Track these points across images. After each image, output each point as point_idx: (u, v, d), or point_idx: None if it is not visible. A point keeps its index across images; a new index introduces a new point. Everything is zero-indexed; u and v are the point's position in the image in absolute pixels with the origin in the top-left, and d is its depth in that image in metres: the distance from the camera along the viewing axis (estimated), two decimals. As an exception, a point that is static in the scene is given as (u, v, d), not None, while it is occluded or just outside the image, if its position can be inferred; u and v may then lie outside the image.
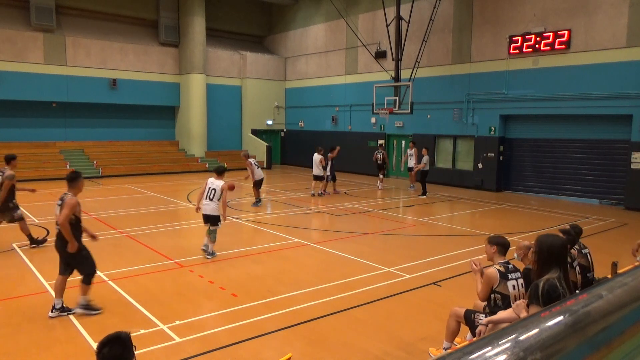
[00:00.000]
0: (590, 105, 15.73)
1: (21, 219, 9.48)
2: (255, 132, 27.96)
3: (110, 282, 7.49)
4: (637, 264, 5.55)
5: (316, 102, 26.57)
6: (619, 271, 4.88)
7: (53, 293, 6.53)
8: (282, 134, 29.23)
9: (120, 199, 16.02)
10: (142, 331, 5.71)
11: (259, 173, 14.78)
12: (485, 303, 4.69)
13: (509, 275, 4.54)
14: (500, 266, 4.62)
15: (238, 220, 12.59)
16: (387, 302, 6.90)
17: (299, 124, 28.00)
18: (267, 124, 28.50)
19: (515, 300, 4.41)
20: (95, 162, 22.38)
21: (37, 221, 12.02)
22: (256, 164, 14.88)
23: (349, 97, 24.57)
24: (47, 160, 21.51)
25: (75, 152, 22.92)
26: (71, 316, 6.15)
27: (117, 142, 24.58)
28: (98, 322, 6.04)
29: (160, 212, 13.80)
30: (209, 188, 9.10)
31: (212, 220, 9.03)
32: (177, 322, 6.00)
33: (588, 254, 5.58)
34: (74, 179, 6.58)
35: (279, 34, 29.12)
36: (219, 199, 9.01)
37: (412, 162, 18.62)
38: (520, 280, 4.58)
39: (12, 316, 6.23)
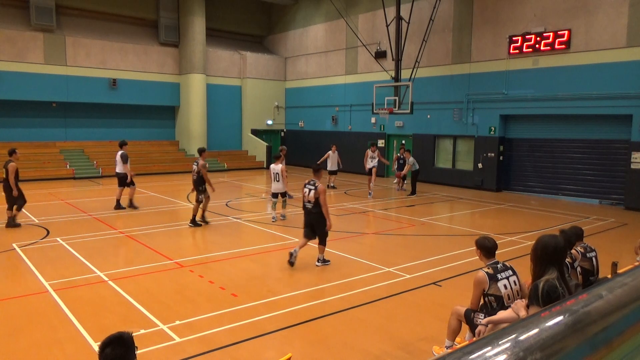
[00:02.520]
0: (590, 105, 15.73)
1: (201, 202, 11.74)
2: (255, 132, 27.96)
3: (110, 282, 7.49)
4: (637, 264, 5.54)
5: (316, 102, 26.57)
6: (619, 271, 4.87)
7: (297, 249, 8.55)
8: (282, 134, 29.22)
9: (120, 199, 15.99)
10: (142, 331, 5.71)
11: None
12: (482, 305, 4.67)
13: (499, 276, 4.50)
14: (488, 268, 4.59)
15: (238, 220, 12.58)
16: (387, 302, 6.90)
17: (299, 124, 28.00)
18: (267, 124, 28.50)
19: (509, 299, 4.41)
20: (95, 162, 22.38)
21: (37, 221, 12.02)
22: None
23: (349, 97, 24.56)
24: (47, 160, 21.50)
25: (75, 152, 22.92)
26: (71, 316, 6.16)
27: (117, 142, 24.52)
28: (98, 322, 6.04)
29: (160, 212, 13.79)
30: (274, 173, 12.41)
31: (282, 195, 12.55)
32: (177, 322, 6.00)
33: (594, 258, 5.54)
34: (318, 170, 9.06)
35: (279, 34, 29.12)
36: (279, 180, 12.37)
37: (371, 164, 17.41)
38: (513, 278, 4.53)
39: (12, 316, 6.23)
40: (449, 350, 1.08)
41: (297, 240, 10.49)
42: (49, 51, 21.94)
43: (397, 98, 18.83)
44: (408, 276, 8.04)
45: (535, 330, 1.11)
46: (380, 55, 21.96)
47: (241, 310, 6.46)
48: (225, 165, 25.57)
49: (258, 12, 29.42)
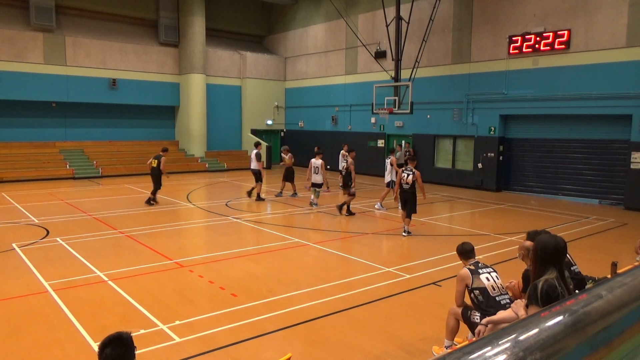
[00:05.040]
0: (590, 105, 15.73)
1: (353, 194, 13.34)
2: (255, 132, 27.94)
3: (110, 282, 7.49)
4: (637, 263, 5.54)
5: (316, 102, 26.57)
6: (619, 271, 4.87)
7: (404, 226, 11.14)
8: (282, 134, 29.22)
9: (120, 199, 16.02)
10: (142, 331, 5.71)
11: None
12: (471, 301, 4.87)
13: (480, 271, 4.84)
14: (470, 265, 4.94)
15: (238, 220, 12.59)
16: (387, 302, 6.90)
17: (299, 124, 28.00)
18: (267, 124, 28.50)
19: (493, 291, 4.71)
20: (95, 162, 22.38)
21: (36, 221, 12.02)
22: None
23: (349, 97, 24.57)
24: (47, 160, 21.51)
25: (75, 152, 22.92)
26: (71, 316, 6.16)
27: (117, 142, 24.58)
28: (98, 322, 6.04)
29: (160, 212, 13.80)
30: (314, 167, 14.55)
31: (319, 186, 14.67)
32: (177, 322, 6.00)
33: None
34: (414, 159, 11.63)
35: (279, 34, 29.12)
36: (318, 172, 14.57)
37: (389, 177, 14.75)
38: (494, 274, 4.85)
39: (12, 316, 6.23)
40: (449, 350, 1.09)
41: (297, 240, 10.52)
42: (48, 51, 21.94)
43: (397, 98, 18.83)
44: (408, 276, 8.05)
45: (535, 330, 1.11)
46: (380, 55, 21.96)
47: (241, 310, 6.46)
48: (225, 165, 25.57)
49: (258, 12, 29.43)
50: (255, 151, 15.85)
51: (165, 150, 15.36)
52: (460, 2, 19.28)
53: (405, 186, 10.95)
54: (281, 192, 16.77)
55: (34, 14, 21.42)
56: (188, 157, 25.47)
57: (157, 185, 14.83)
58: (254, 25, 29.63)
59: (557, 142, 17.17)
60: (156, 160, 14.76)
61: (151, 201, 14.68)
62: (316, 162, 14.66)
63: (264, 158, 26.55)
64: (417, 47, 19.16)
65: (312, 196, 14.73)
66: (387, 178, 14.91)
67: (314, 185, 14.74)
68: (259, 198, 15.64)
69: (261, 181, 15.77)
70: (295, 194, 16.75)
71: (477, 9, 18.74)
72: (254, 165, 15.77)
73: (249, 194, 15.92)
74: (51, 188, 18.09)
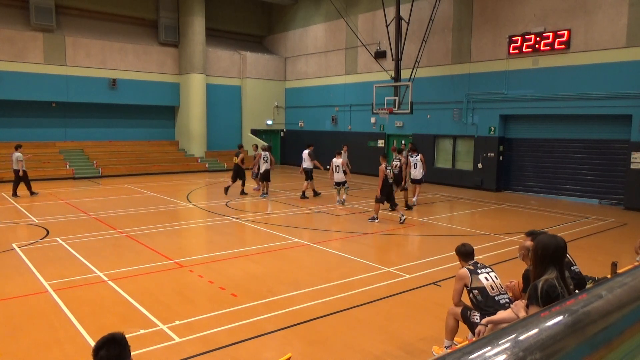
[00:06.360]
0: (590, 105, 15.73)
1: (406, 190, 14.51)
2: (255, 132, 27.95)
3: (110, 282, 7.49)
4: (637, 264, 5.53)
5: (316, 102, 26.56)
6: (619, 271, 4.87)
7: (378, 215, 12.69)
8: (282, 134, 29.22)
9: (120, 199, 16.02)
10: (142, 331, 5.70)
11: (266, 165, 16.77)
12: (470, 301, 4.88)
13: (479, 270, 4.87)
14: (469, 265, 4.97)
15: (238, 220, 12.59)
16: (387, 302, 6.90)
17: (299, 124, 27.99)
18: (267, 124, 28.50)
19: (492, 290, 4.73)
20: (94, 162, 22.38)
21: (36, 221, 12.02)
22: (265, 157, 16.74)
23: (349, 97, 24.56)
24: (47, 160, 21.50)
25: (75, 152, 22.93)
26: (71, 316, 6.16)
27: (117, 142, 24.58)
28: (97, 322, 6.03)
29: (160, 212, 13.80)
30: (335, 166, 14.95)
31: (342, 184, 15.11)
32: (177, 322, 6.00)
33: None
34: (400, 151, 14.33)
35: (279, 34, 29.12)
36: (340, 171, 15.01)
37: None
38: (492, 274, 4.87)
39: (12, 316, 6.23)
40: (449, 350, 1.09)
41: (298, 240, 10.52)
42: (48, 51, 21.93)
43: (397, 98, 18.82)
44: (408, 276, 8.05)
45: (535, 330, 1.11)
46: (380, 55, 21.96)
47: (241, 310, 6.46)
48: (225, 166, 25.55)
49: (258, 12, 29.42)
50: (307, 151, 16.69)
51: (240, 146, 17.06)
52: (460, 2, 19.28)
53: (390, 180, 12.45)
54: (266, 192, 16.71)
55: (34, 14, 21.41)
56: (188, 157, 25.47)
57: (243, 177, 16.57)
58: (254, 25, 29.64)
59: (557, 142, 17.17)
60: (237, 157, 16.71)
61: (226, 191, 16.37)
62: (337, 161, 15.05)
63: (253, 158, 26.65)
64: (417, 47, 19.16)
65: (343, 195, 15.22)
66: (419, 174, 15.14)
67: (337, 184, 15.16)
68: (315, 194, 16.52)
69: (312, 179, 16.50)
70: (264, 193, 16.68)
71: (477, 9, 18.74)
72: (306, 164, 16.51)
73: (303, 195, 16.16)
74: (51, 188, 18.08)
